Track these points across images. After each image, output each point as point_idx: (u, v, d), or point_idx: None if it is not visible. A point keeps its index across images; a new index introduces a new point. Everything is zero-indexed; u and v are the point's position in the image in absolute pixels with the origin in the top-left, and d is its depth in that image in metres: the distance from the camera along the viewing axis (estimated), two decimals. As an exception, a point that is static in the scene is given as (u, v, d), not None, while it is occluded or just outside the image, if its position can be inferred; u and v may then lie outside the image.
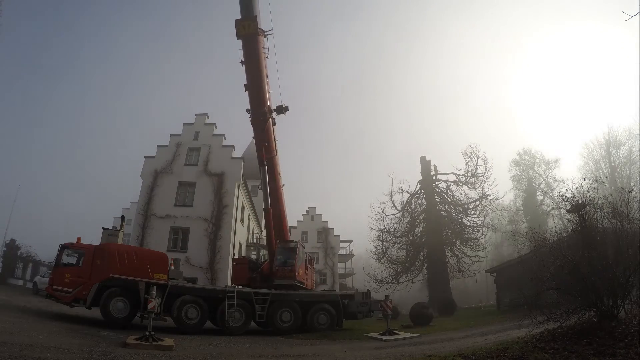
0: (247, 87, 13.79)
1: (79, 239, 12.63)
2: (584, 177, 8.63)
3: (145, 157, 25.69)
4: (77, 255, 12.26)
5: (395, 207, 30.24)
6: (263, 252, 27.16)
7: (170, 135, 26.42)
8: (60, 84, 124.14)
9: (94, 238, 14.88)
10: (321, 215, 45.29)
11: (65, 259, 12.14)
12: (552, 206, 35.81)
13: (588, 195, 7.80)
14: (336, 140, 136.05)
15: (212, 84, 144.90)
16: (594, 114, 78.62)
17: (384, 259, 29.04)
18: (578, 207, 7.73)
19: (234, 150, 26.86)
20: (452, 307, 23.23)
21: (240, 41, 13.14)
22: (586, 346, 5.75)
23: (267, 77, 14.12)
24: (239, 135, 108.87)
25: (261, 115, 14.08)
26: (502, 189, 50.78)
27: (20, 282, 26.39)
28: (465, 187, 29.07)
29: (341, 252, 44.49)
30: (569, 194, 7.99)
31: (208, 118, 27.48)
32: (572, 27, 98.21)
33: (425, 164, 31.13)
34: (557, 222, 27.50)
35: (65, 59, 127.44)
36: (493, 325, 13.44)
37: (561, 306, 6.98)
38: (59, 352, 6.54)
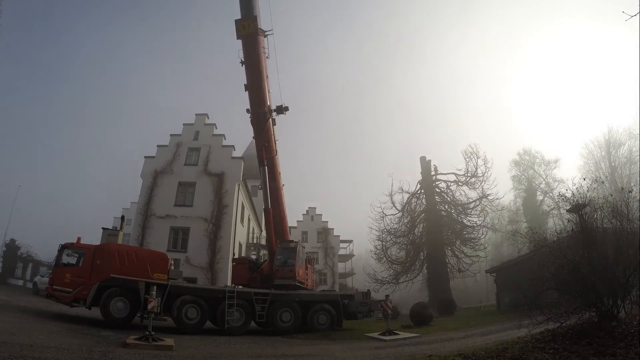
0: (247, 87, 13.79)
1: (79, 239, 12.63)
2: (584, 177, 8.64)
3: (145, 157, 25.68)
4: (77, 255, 12.25)
5: (395, 207, 30.29)
6: (263, 252, 27.16)
7: (170, 135, 26.42)
8: (60, 84, 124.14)
9: (94, 238, 14.89)
10: (321, 215, 45.30)
11: (65, 259, 12.14)
12: (552, 206, 35.82)
13: (588, 195, 7.80)
14: (336, 140, 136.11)
15: (212, 84, 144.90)
16: (594, 114, 78.69)
17: (384, 259, 29.05)
18: (578, 207, 7.73)
19: (234, 150, 26.86)
20: (452, 307, 23.23)
21: (240, 41, 13.14)
22: (586, 346, 5.75)
23: (267, 77, 14.13)
24: (239, 135, 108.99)
25: (261, 115, 14.08)
26: (502, 189, 50.89)
27: (20, 282, 26.39)
28: (465, 187, 29.12)
29: (341, 252, 44.50)
30: (569, 194, 8.00)
31: (208, 118, 27.48)
32: (572, 27, 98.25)
33: (425, 164, 31.14)
34: (557, 222, 27.50)
35: (65, 59, 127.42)
36: (493, 325, 13.44)
37: (561, 306, 6.98)
38: (59, 352, 6.53)
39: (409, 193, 30.46)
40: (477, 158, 28.49)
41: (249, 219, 30.53)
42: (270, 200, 15.19)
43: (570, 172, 35.81)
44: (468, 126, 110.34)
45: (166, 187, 24.43)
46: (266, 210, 15.43)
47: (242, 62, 13.27)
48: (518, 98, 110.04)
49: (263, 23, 13.62)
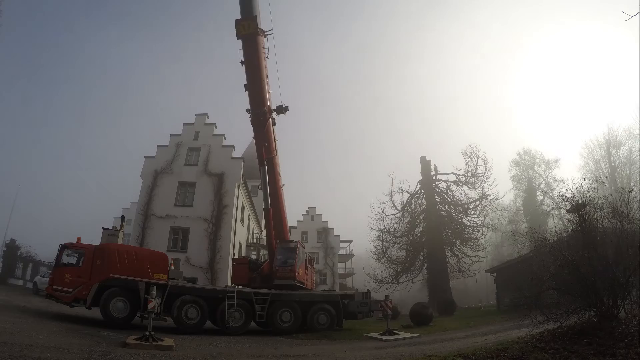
0: (247, 87, 13.78)
1: (79, 239, 12.62)
2: (584, 177, 8.61)
3: (145, 157, 25.67)
4: (77, 255, 12.24)
5: (395, 207, 30.29)
6: (263, 252, 27.17)
7: (170, 135, 26.40)
8: (60, 84, 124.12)
9: (94, 238, 14.88)
10: (321, 215, 45.27)
11: (65, 259, 12.12)
12: (552, 206, 35.81)
13: (588, 195, 7.79)
14: (336, 140, 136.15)
15: (212, 84, 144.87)
16: (594, 114, 78.77)
17: (384, 259, 29.04)
18: (578, 207, 7.72)
19: (234, 150, 26.84)
20: (452, 307, 23.21)
21: (240, 41, 13.13)
22: (586, 346, 5.74)
23: (267, 77, 14.12)
24: (239, 135, 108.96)
25: (261, 115, 14.07)
26: (502, 189, 50.92)
27: (20, 282, 26.35)
28: (465, 187, 29.13)
29: (341, 252, 44.46)
30: (569, 194, 7.99)
31: (208, 118, 27.46)
32: (572, 27, 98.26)
33: (425, 164, 31.12)
34: (557, 222, 27.60)
35: (65, 59, 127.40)
36: (493, 325, 13.44)
37: (561, 306, 6.97)
38: (59, 352, 6.53)
39: (409, 193, 30.49)
40: (477, 158, 28.54)
41: (249, 219, 30.51)
42: (270, 200, 15.18)
43: (570, 172, 35.93)
44: (468, 126, 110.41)
45: (166, 187, 24.42)
46: (266, 210, 15.42)
47: (242, 62, 13.25)
48: (518, 98, 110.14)
49: (263, 23, 13.61)
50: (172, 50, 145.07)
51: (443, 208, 29.96)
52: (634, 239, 6.47)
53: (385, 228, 29.67)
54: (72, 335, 8.69)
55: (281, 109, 14.79)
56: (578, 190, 7.79)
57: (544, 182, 40.55)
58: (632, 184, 29.06)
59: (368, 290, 16.01)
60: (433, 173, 30.63)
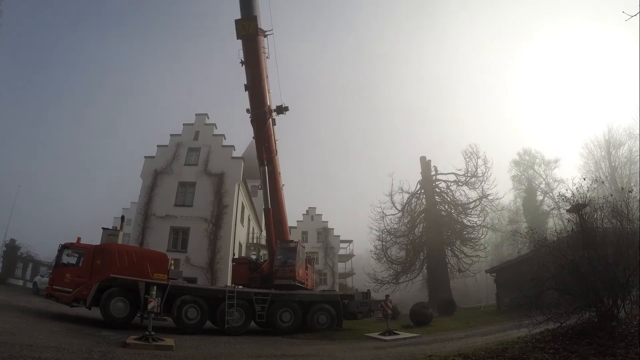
0: (247, 87, 13.78)
1: (79, 239, 12.62)
2: (584, 177, 8.61)
3: (145, 157, 25.67)
4: (77, 255, 12.24)
5: (395, 207, 30.32)
6: (263, 252, 27.16)
7: (170, 135, 26.40)
8: (60, 85, 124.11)
9: (94, 238, 14.87)
10: (321, 215, 45.26)
11: (65, 259, 12.12)
12: (552, 206, 35.80)
13: (588, 195, 7.80)
14: (336, 140, 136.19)
15: (212, 84, 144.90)
16: (594, 114, 78.75)
17: (384, 259, 29.06)
18: (578, 207, 7.72)
19: (234, 150, 26.84)
20: (452, 307, 23.20)
21: (240, 41, 13.13)
22: (586, 346, 5.74)
23: (267, 77, 14.11)
24: (239, 135, 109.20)
25: (261, 115, 14.07)
26: (502, 189, 50.94)
27: (20, 282, 26.33)
28: (465, 187, 29.17)
29: (341, 252, 44.46)
30: (569, 194, 7.99)
31: (208, 118, 27.45)
32: (572, 27, 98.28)
33: (425, 164, 31.13)
34: (557, 222, 27.60)
35: (65, 60, 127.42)
36: (493, 325, 13.44)
37: (561, 306, 6.97)
38: (59, 352, 6.53)
39: (409, 193, 30.52)
40: (477, 158, 28.58)
41: (249, 219, 30.51)
42: (270, 200, 15.18)
43: (570, 172, 35.88)
44: (468, 126, 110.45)
45: (166, 187, 24.41)
46: (266, 210, 15.42)
47: (242, 62, 13.25)
48: (518, 98, 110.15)
49: (263, 23, 13.61)
50: (172, 50, 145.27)
51: (443, 208, 29.98)
52: (634, 239, 6.47)
53: (385, 228, 29.74)
54: (72, 335, 8.69)
55: (281, 109, 14.79)
56: (578, 190, 7.80)
57: (544, 182, 40.56)
58: (632, 184, 29.06)
59: (368, 290, 16.01)
60: (433, 173, 30.65)
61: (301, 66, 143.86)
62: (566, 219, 10.12)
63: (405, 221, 30.07)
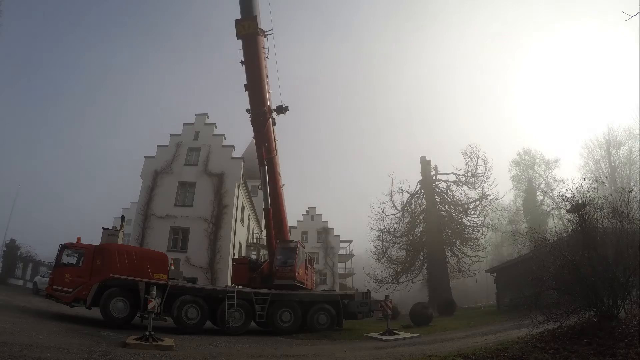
0: (247, 87, 13.78)
1: (79, 239, 12.62)
2: (584, 177, 8.62)
3: (145, 157, 25.67)
4: (77, 255, 12.24)
5: (395, 207, 30.29)
6: (263, 252, 27.15)
7: (170, 135, 26.40)
8: (61, 85, 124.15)
9: (94, 238, 14.87)
10: (321, 215, 45.25)
11: (65, 259, 12.11)
12: (552, 206, 35.78)
13: (588, 195, 7.80)
14: (336, 140, 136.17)
15: (212, 84, 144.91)
16: (594, 114, 78.73)
17: (384, 259, 29.04)
18: (578, 207, 7.72)
19: (234, 150, 26.84)
20: (452, 307, 23.20)
21: (240, 41, 13.13)
22: (586, 346, 5.74)
23: (267, 77, 14.12)
24: (239, 135, 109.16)
25: (261, 115, 14.07)
26: (502, 189, 50.85)
27: (20, 282, 26.34)
28: (465, 187, 29.14)
29: (341, 252, 44.45)
30: (569, 194, 8.00)
31: (208, 118, 27.46)
32: (572, 27, 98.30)
33: (425, 164, 31.12)
34: (557, 222, 27.59)
35: (65, 60, 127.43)
36: (493, 325, 13.44)
37: (561, 306, 6.97)
38: (59, 352, 6.53)
39: (409, 193, 30.50)
40: (477, 158, 28.55)
41: (249, 219, 30.51)
42: (270, 200, 15.17)
43: (570, 172, 35.88)
44: (468, 126, 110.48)
45: (166, 187, 24.41)
46: (266, 210, 15.42)
47: (242, 62, 13.25)
48: (518, 98, 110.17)
49: (263, 23, 13.62)
50: (172, 50, 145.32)
51: (443, 208, 29.96)
52: (634, 239, 6.47)
53: (385, 228, 29.71)
54: (72, 335, 8.69)
55: (281, 109, 14.80)
56: (578, 190, 7.80)
57: (544, 182, 40.55)
58: (632, 184, 29.06)
59: (368, 290, 16.01)
60: (433, 173, 30.64)
61: (301, 66, 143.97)
62: (566, 219, 10.14)
63: (405, 221, 30.06)
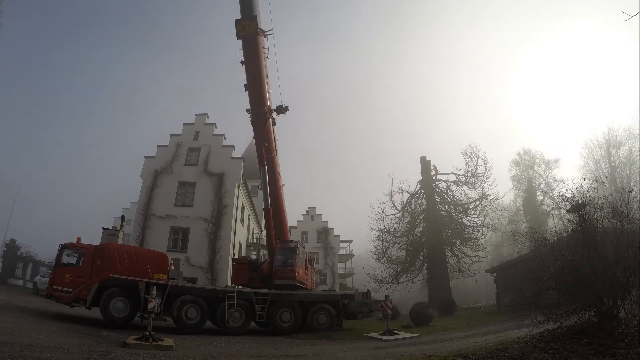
0: (247, 87, 13.79)
1: (79, 239, 12.62)
2: (584, 177, 8.62)
3: (145, 157, 25.67)
4: (77, 255, 12.24)
5: (395, 207, 30.27)
6: (263, 252, 27.15)
7: (170, 135, 26.39)
8: (61, 85, 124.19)
9: (94, 238, 14.88)
10: (321, 215, 45.24)
11: (65, 259, 12.11)
12: (552, 206, 35.80)
13: (588, 195, 7.81)
14: (336, 140, 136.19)
15: (212, 84, 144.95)
16: (594, 114, 78.73)
17: (384, 259, 29.02)
18: (578, 207, 7.72)
19: (234, 150, 26.83)
20: (452, 307, 23.19)
21: (240, 41, 13.13)
22: (586, 346, 5.75)
23: (267, 77, 14.12)
24: (239, 135, 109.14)
25: (261, 115, 14.07)
26: (502, 189, 50.78)
27: (20, 282, 26.33)
28: (465, 187, 29.11)
29: (341, 252, 44.44)
30: (569, 194, 8.01)
31: (208, 118, 27.45)
32: (572, 27, 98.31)
33: (425, 164, 31.10)
34: (557, 222, 27.60)
35: (65, 60, 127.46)
36: (493, 325, 13.44)
37: (561, 306, 6.97)
38: (59, 352, 6.53)
39: (409, 193, 30.47)
40: (477, 158, 28.53)
41: (249, 219, 30.51)
42: (270, 200, 15.17)
43: (570, 172, 35.87)
44: (468, 126, 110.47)
45: (166, 187, 24.41)
46: (266, 210, 15.42)
47: (242, 62, 13.26)
48: (518, 98, 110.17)
49: (263, 23, 13.62)
50: (172, 50, 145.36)
51: (443, 208, 29.95)
52: (634, 239, 6.47)
53: (385, 228, 29.68)
54: (72, 335, 8.69)
55: (281, 109, 14.80)
56: (578, 190, 7.81)
57: (544, 182, 40.56)
58: (632, 184, 29.07)
59: (368, 290, 16.01)
60: (433, 173, 30.61)
61: (301, 66, 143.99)
62: (566, 219, 10.14)
63: (405, 221, 30.05)
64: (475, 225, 28.20)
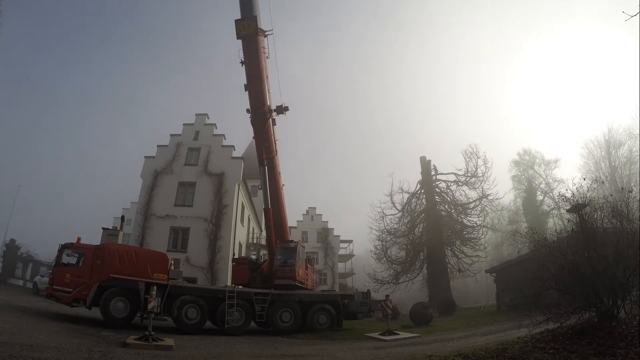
0: (247, 87, 13.80)
1: (79, 239, 12.62)
2: (584, 177, 8.62)
3: (145, 157, 25.66)
4: (77, 255, 12.24)
5: (395, 207, 30.26)
6: (263, 252, 27.16)
7: (170, 135, 26.39)
8: (61, 85, 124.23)
9: (94, 238, 14.88)
10: (321, 215, 45.25)
11: (65, 259, 12.12)
12: (552, 206, 35.80)
13: (588, 195, 7.81)
14: (336, 140, 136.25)
15: (211, 84, 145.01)
16: (594, 114, 78.73)
17: (384, 259, 29.02)
18: (578, 207, 7.72)
19: (234, 150, 26.83)
20: (452, 307, 23.21)
21: (240, 41, 13.14)
22: (586, 346, 5.75)
23: (267, 77, 14.12)
24: (239, 135, 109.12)
25: (261, 115, 14.08)
26: (502, 189, 50.75)
27: (20, 282, 26.35)
28: (465, 187, 29.11)
29: (341, 252, 44.45)
30: (569, 194, 8.01)
31: (208, 118, 27.45)
32: (572, 27, 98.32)
33: (425, 164, 31.10)
34: (557, 222, 27.61)
35: (65, 61, 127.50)
36: (493, 325, 13.44)
37: (561, 306, 6.97)
38: (59, 352, 6.54)
39: (409, 193, 30.47)
40: (477, 158, 28.52)
41: (249, 219, 30.51)
42: (270, 200, 15.18)
43: (570, 172, 35.87)
44: (468, 126, 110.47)
45: (166, 187, 24.41)
46: (266, 210, 15.42)
47: (242, 62, 13.26)
48: (518, 98, 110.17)
49: (263, 23, 13.63)
50: (172, 49, 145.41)
51: (443, 208, 29.95)
52: (634, 239, 6.47)
53: (385, 228, 29.68)
54: (72, 335, 8.69)
55: (281, 109, 14.81)
56: (578, 190, 7.81)
57: (544, 182, 40.56)
58: (632, 184, 29.07)
59: (368, 290, 16.01)
60: (433, 173, 30.61)
61: (301, 66, 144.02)
62: (566, 219, 10.14)
63: (405, 221, 30.05)
64: (475, 225, 28.21)
